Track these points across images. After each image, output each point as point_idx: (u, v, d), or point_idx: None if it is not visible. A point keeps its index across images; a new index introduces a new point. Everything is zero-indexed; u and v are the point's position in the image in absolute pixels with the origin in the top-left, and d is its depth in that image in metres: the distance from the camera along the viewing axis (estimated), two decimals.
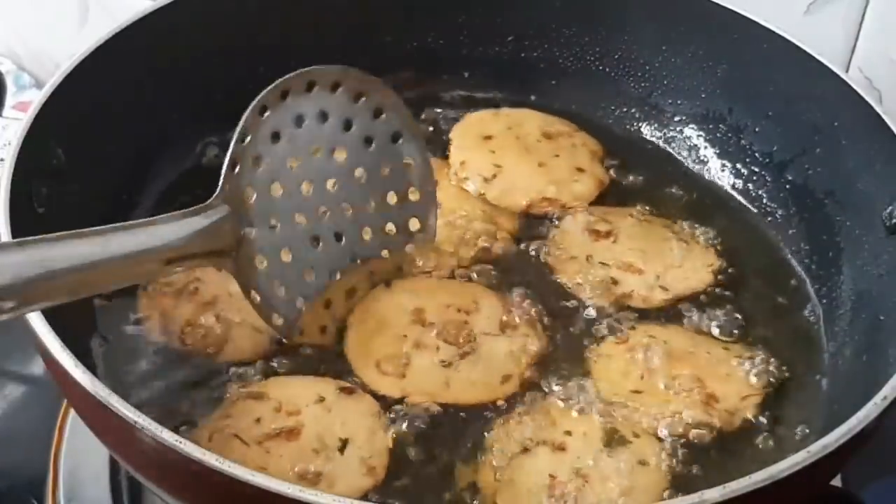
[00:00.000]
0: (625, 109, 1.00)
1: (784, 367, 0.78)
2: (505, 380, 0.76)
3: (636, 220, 0.88)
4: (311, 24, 0.96)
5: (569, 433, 0.72)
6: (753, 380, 0.77)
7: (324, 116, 0.77)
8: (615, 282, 0.83)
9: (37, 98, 0.76)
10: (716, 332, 0.80)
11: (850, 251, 0.83)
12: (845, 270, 0.83)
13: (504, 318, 0.80)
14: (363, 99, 0.80)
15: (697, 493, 0.55)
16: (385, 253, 0.82)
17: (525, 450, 0.71)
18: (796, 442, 0.74)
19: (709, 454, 0.72)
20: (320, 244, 0.78)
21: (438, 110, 1.00)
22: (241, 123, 0.73)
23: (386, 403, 0.74)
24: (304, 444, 0.70)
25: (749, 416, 0.75)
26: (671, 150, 0.98)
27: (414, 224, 0.83)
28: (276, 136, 0.75)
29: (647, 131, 1.00)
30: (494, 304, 0.81)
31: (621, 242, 0.86)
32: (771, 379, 0.77)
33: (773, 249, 0.89)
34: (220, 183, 0.71)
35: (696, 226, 0.89)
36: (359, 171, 0.80)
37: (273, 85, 0.75)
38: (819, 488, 0.68)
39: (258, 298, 0.74)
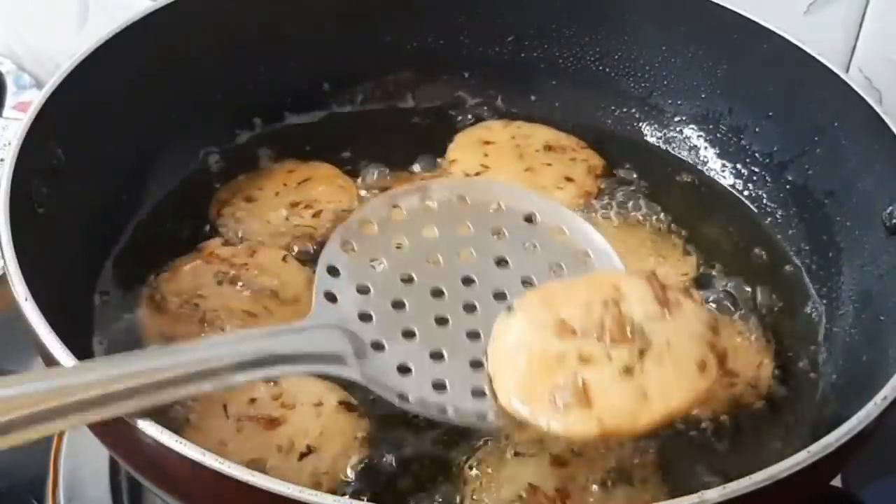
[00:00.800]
0: (625, 110, 1.00)
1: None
2: (702, 367, 0.64)
3: (622, 225, 0.88)
4: (312, 25, 0.96)
5: (579, 454, 0.70)
6: (761, 345, 0.78)
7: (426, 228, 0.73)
8: None
9: (37, 98, 0.76)
10: None
11: (850, 251, 0.83)
12: (845, 270, 0.83)
13: (658, 295, 0.67)
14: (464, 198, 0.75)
15: (697, 494, 0.55)
16: None
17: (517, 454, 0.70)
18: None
19: (741, 430, 0.73)
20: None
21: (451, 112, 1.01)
22: (322, 262, 0.70)
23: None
24: (274, 438, 0.70)
25: (768, 385, 0.75)
26: (671, 151, 0.98)
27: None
28: (374, 262, 0.71)
29: (647, 131, 1.00)
30: (639, 283, 0.68)
31: None
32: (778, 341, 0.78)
33: (773, 249, 0.89)
34: (316, 311, 0.68)
35: (684, 231, 0.89)
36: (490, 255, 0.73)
37: (351, 219, 0.73)
38: (819, 488, 0.68)
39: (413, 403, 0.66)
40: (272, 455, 0.69)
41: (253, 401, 0.72)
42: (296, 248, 0.85)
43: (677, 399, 0.63)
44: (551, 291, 0.69)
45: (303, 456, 0.70)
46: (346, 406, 0.73)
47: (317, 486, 0.68)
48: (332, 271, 0.70)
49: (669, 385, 0.63)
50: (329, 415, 0.72)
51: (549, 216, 0.75)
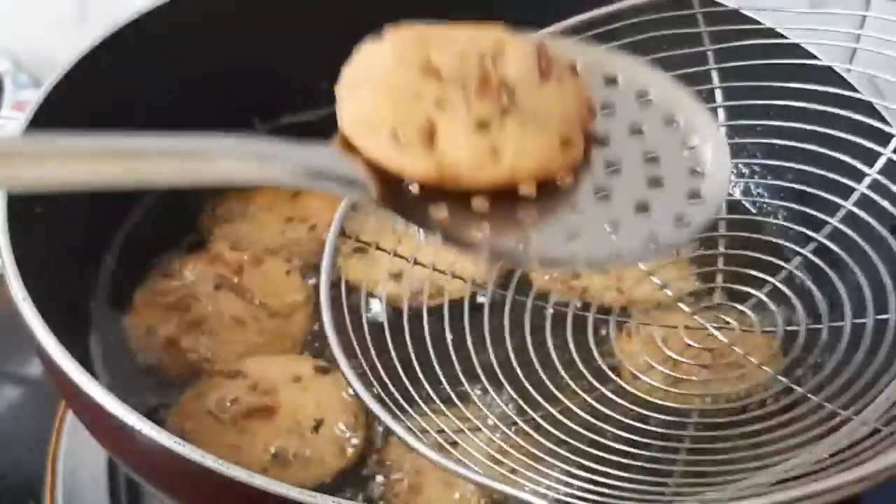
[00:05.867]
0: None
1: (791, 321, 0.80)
2: (565, 143, 0.57)
3: None
4: (311, 24, 0.96)
5: None
6: (764, 344, 0.78)
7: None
8: (575, 276, 0.82)
9: (35, 97, 0.76)
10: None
11: (851, 252, 0.82)
12: (846, 271, 0.82)
13: (542, 65, 0.60)
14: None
15: (697, 496, 0.55)
16: None
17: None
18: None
19: (744, 427, 0.72)
20: None
21: None
22: None
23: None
24: (279, 424, 0.71)
25: (778, 377, 0.75)
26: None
27: None
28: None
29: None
30: (526, 48, 0.61)
31: None
32: (783, 329, 0.78)
33: (773, 249, 0.89)
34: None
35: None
36: None
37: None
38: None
39: None
40: (288, 440, 0.70)
41: (234, 400, 0.72)
42: (294, 261, 0.85)
43: (528, 163, 0.55)
44: (431, 31, 0.62)
45: (315, 429, 0.71)
46: (322, 370, 0.74)
47: (343, 451, 0.70)
48: None
49: (524, 148, 0.55)
50: (313, 384, 0.73)
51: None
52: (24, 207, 0.71)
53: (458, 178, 0.55)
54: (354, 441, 0.71)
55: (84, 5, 1.30)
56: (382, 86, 0.58)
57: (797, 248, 0.84)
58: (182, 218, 0.88)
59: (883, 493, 0.82)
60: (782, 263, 0.84)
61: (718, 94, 0.91)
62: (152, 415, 0.69)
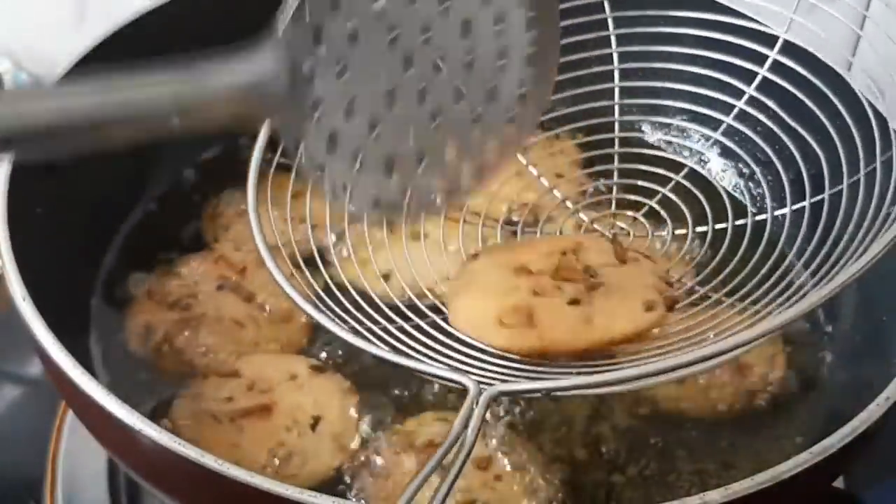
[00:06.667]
0: (626, 109, 1.00)
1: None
2: (648, 306, 0.66)
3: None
4: None
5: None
6: (770, 343, 0.78)
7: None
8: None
9: None
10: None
11: (851, 251, 0.82)
12: (847, 271, 0.82)
13: (618, 252, 0.71)
14: None
15: (699, 496, 0.55)
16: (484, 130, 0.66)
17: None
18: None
19: (746, 427, 0.74)
20: (410, 127, 0.63)
21: None
22: None
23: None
24: (277, 422, 0.71)
25: (779, 381, 0.76)
26: (672, 151, 0.98)
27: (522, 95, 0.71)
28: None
29: (648, 131, 0.99)
30: (602, 243, 0.72)
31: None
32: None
33: (774, 250, 0.89)
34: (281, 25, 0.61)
35: (685, 231, 0.88)
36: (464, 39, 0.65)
37: None
38: (822, 489, 0.68)
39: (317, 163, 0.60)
40: (286, 437, 0.70)
41: (230, 398, 0.72)
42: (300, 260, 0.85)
43: (619, 328, 0.64)
44: (515, 244, 0.74)
45: (314, 426, 0.71)
46: (318, 369, 0.75)
47: (342, 448, 0.71)
48: None
49: (613, 314, 0.64)
50: (309, 382, 0.74)
51: None
52: (24, 207, 0.71)
53: (558, 347, 0.63)
54: (353, 438, 0.72)
55: (84, 5, 1.30)
56: (483, 286, 0.68)
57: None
58: (183, 218, 0.88)
59: (886, 495, 0.82)
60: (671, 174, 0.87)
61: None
62: (152, 415, 0.69)
